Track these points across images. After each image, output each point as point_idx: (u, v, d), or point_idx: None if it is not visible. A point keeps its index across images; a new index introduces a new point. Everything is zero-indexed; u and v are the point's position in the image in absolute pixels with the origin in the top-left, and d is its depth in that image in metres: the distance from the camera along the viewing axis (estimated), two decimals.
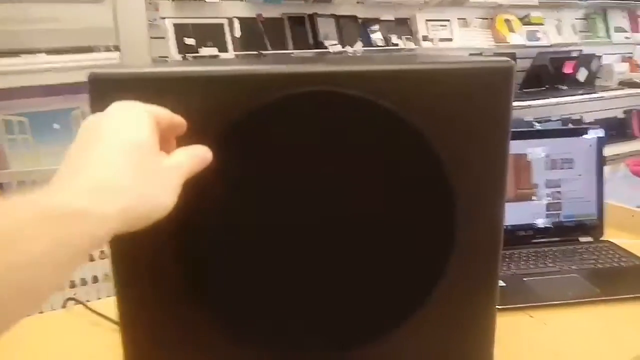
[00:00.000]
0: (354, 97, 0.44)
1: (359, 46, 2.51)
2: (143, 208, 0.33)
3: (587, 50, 3.30)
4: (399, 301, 0.49)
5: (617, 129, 3.44)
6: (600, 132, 0.99)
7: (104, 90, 0.42)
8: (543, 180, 0.97)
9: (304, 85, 0.44)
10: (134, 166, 0.33)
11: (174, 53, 2.06)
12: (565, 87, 3.15)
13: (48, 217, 0.28)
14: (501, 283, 0.50)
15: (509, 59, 0.48)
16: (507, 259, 0.87)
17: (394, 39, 2.61)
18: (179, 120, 0.40)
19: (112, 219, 0.31)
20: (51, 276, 0.28)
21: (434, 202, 0.48)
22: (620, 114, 3.58)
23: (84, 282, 1.60)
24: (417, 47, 2.69)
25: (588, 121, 3.33)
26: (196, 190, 0.38)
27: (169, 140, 0.40)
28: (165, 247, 0.45)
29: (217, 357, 0.49)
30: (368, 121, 0.45)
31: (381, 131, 0.46)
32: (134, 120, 0.35)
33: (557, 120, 3.23)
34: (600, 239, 0.96)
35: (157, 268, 0.46)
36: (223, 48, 2.16)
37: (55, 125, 1.67)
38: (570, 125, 2.91)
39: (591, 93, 3.14)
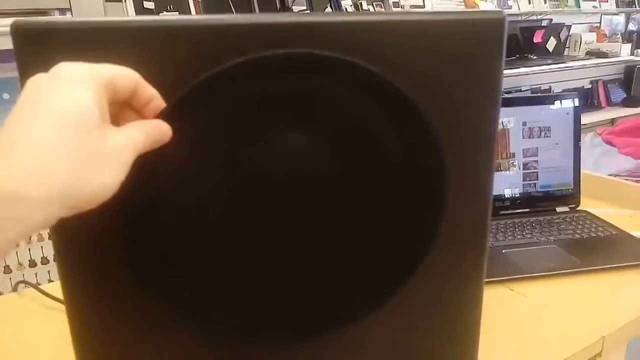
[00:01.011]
0: (328, 58, 0.39)
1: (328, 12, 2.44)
2: (84, 191, 0.31)
3: (556, 19, 3.30)
4: (384, 277, 0.45)
5: (584, 99, 3.49)
6: (577, 101, 0.97)
7: (30, 43, 0.35)
8: (520, 149, 0.95)
9: (266, 41, 0.37)
10: (73, 146, 0.30)
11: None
12: (534, 57, 3.15)
13: None
14: None
15: (501, 10, 0.43)
16: None
17: (365, 5, 2.54)
18: (149, 91, 0.35)
19: (49, 204, 0.29)
20: None
21: (422, 172, 0.43)
22: (587, 84, 3.62)
23: (32, 264, 1.52)
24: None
25: (557, 91, 3.35)
26: (144, 168, 0.33)
27: (132, 108, 0.36)
28: (110, 228, 0.39)
29: (166, 348, 0.44)
30: (344, 85, 0.40)
31: (362, 96, 0.40)
32: (78, 88, 0.31)
33: (527, 89, 3.24)
34: (577, 208, 0.95)
35: (101, 252, 0.41)
36: (185, 12, 2.06)
37: (5, 95, 1.56)
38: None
39: (560, 63, 3.15)
